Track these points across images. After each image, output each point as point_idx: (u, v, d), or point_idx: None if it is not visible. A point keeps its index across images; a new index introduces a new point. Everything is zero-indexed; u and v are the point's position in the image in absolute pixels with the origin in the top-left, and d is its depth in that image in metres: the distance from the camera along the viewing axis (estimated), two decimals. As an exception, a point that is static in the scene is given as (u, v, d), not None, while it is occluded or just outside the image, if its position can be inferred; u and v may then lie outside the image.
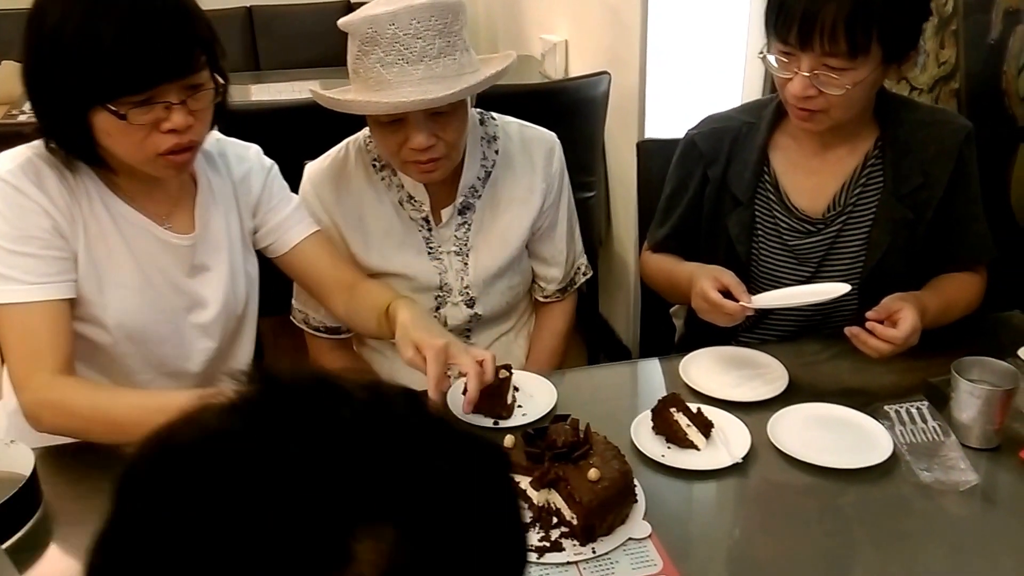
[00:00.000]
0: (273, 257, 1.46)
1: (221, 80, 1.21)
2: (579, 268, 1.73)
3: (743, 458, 1.18)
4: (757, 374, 1.38)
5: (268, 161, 1.45)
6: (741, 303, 1.34)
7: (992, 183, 1.64)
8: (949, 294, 1.45)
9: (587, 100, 2.34)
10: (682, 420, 1.22)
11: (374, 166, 1.56)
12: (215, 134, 1.36)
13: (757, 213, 1.54)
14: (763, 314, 1.56)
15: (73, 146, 1.19)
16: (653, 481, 1.15)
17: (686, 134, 1.61)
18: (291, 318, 1.66)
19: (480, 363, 1.23)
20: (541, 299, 1.72)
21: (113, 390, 1.27)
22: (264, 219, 1.44)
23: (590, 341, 2.29)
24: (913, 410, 1.27)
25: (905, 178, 1.45)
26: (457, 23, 1.35)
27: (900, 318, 1.30)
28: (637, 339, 2.23)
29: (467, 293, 1.58)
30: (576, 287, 1.74)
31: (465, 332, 1.63)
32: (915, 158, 1.45)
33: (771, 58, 1.38)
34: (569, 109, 2.31)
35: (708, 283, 1.36)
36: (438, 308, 1.58)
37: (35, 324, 1.17)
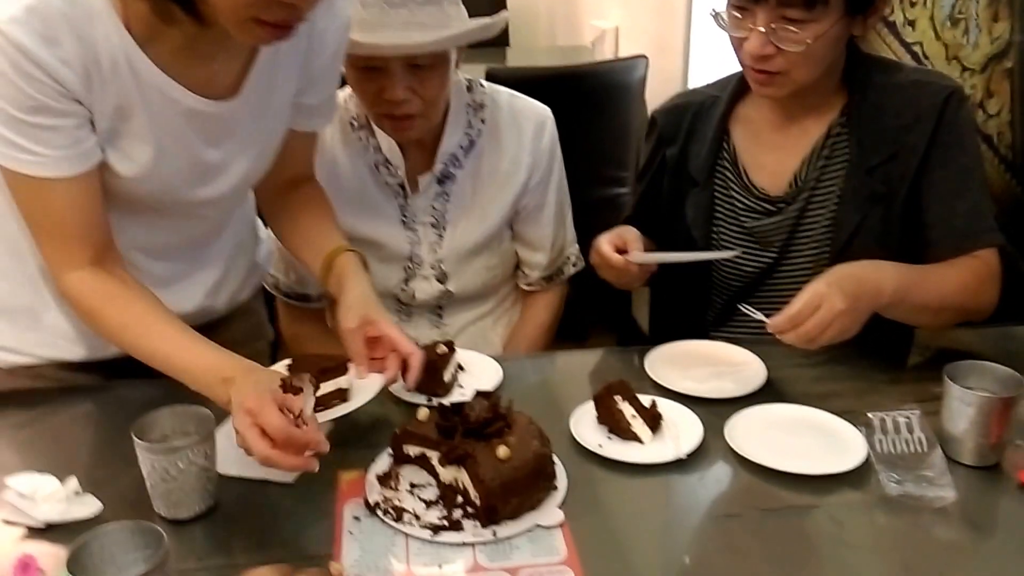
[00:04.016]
0: None
1: None
2: (568, 257, 1.70)
3: (688, 455, 1.13)
4: (731, 371, 1.32)
5: (347, 15, 1.28)
6: (626, 257, 1.33)
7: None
8: (924, 268, 1.30)
9: (620, 86, 2.31)
10: (627, 410, 1.18)
11: (352, 125, 1.57)
12: None
13: (716, 194, 1.48)
14: (728, 307, 1.51)
15: None
16: (585, 471, 1.11)
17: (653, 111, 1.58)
18: (263, 283, 1.66)
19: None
20: (525, 287, 1.70)
21: (144, 321, 1.16)
22: (306, 90, 1.29)
23: (623, 344, 2.23)
24: (901, 419, 1.18)
25: (873, 148, 1.36)
26: None
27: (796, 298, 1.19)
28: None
29: (439, 267, 1.58)
30: (564, 277, 1.71)
31: (436, 310, 1.62)
32: (887, 125, 1.36)
33: (724, 16, 1.34)
34: (599, 96, 2.28)
35: (606, 238, 1.37)
36: (407, 280, 1.58)
37: (59, 206, 1.12)
